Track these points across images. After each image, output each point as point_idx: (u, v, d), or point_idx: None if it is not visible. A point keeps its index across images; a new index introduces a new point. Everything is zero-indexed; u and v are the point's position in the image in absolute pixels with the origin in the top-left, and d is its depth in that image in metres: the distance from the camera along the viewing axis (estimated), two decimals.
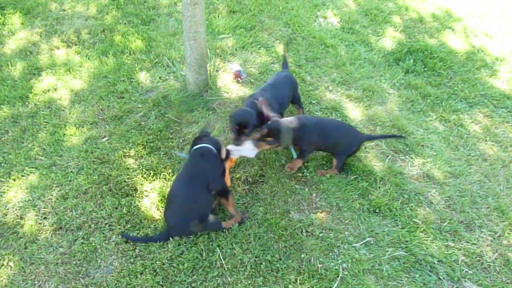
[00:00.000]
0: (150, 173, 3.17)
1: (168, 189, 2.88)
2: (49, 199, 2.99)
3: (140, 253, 2.65)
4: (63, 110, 3.76)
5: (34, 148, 3.38)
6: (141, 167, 3.20)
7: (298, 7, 5.45)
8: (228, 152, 2.86)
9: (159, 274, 2.52)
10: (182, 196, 2.65)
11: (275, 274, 2.57)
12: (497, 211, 3.13)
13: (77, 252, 2.65)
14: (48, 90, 3.95)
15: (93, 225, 2.81)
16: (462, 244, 2.86)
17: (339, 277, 2.57)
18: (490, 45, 5.24)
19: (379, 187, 3.18)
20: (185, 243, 2.69)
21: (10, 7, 5.08)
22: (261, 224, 2.85)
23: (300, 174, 3.24)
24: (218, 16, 5.09)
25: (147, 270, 2.54)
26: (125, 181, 3.09)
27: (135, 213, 2.89)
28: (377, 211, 3.02)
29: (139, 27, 4.80)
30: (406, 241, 2.81)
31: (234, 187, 3.12)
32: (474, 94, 4.36)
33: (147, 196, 3.02)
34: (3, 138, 3.49)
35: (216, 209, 2.97)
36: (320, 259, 2.67)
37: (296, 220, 2.89)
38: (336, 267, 2.63)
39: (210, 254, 2.64)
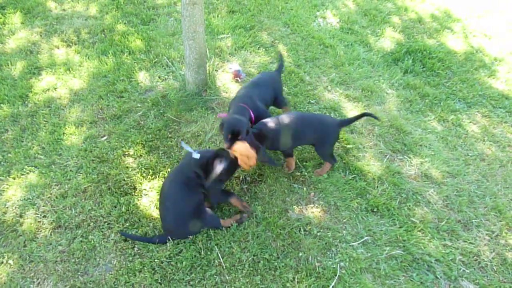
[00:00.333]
0: (149, 172, 3.18)
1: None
2: (48, 197, 3.00)
3: (139, 251, 2.67)
4: (63, 109, 3.78)
5: (33, 147, 3.39)
6: (140, 166, 3.22)
7: (297, 7, 5.46)
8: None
9: (157, 272, 2.54)
10: (171, 200, 2.68)
11: (273, 272, 2.58)
12: (495, 210, 3.14)
13: (76, 250, 2.66)
14: (48, 89, 3.96)
15: (92, 223, 2.83)
16: (459, 244, 2.87)
17: (337, 275, 2.58)
18: (488, 45, 5.24)
19: (377, 187, 3.20)
20: (184, 242, 2.71)
21: (10, 6, 5.10)
22: (259, 223, 2.86)
23: (298, 174, 3.26)
24: (217, 16, 5.10)
25: (145, 268, 2.55)
26: (124, 180, 3.11)
27: (134, 211, 2.90)
28: (375, 210, 3.03)
29: (139, 27, 4.82)
30: (404, 240, 2.82)
31: (233, 186, 3.14)
32: (473, 94, 4.37)
33: (146, 194, 3.04)
34: (2, 137, 3.50)
35: (215, 209, 2.98)
36: (318, 258, 2.68)
37: (294, 219, 2.90)
38: (334, 266, 2.64)
39: (208, 253, 2.65)
